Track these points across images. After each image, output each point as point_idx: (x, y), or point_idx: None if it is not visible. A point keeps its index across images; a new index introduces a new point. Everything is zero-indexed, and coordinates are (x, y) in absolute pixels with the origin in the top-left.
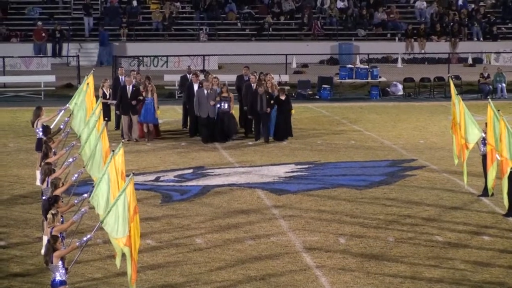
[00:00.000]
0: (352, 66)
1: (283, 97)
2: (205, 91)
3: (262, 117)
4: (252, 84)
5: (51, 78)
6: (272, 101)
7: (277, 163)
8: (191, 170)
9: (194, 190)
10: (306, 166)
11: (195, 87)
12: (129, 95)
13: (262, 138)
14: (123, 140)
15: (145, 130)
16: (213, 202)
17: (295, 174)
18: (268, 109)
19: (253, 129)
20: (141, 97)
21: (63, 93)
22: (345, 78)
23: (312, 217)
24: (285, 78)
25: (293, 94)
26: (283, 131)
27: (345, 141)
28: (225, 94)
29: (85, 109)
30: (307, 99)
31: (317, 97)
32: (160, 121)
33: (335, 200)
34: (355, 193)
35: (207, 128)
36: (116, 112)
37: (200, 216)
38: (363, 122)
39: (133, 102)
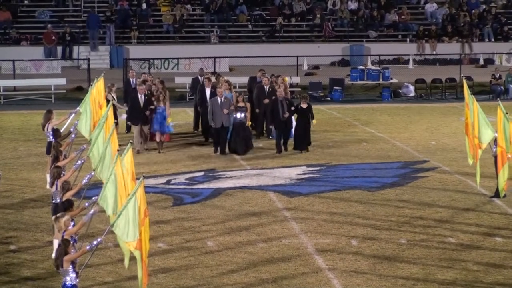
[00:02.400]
0: (364, 67)
1: (304, 106)
2: (219, 100)
3: (283, 129)
4: (265, 87)
5: (62, 81)
6: (292, 108)
7: (288, 165)
8: (202, 173)
9: (206, 193)
10: (318, 168)
11: (207, 91)
12: (141, 105)
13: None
14: (131, 141)
15: (157, 139)
16: (224, 204)
17: (306, 176)
18: (287, 114)
19: (261, 130)
20: (152, 107)
21: (73, 96)
22: (356, 80)
23: (324, 219)
24: (296, 80)
25: (305, 95)
26: (302, 141)
27: (356, 143)
28: (241, 104)
29: (89, 111)
30: (318, 100)
31: (328, 98)
32: (171, 128)
33: (347, 202)
34: (367, 195)
35: (223, 139)
36: (128, 122)
37: (212, 218)
38: (375, 123)
39: (147, 113)
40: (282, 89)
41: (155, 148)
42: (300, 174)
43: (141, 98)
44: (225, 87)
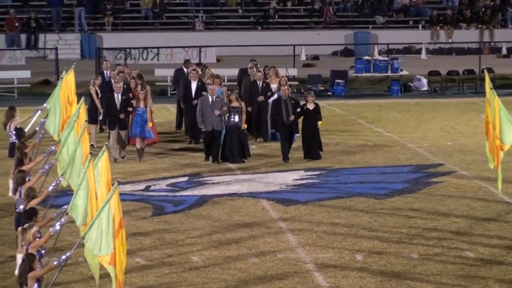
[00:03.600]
0: (370, 58)
1: (311, 106)
2: (210, 99)
3: (289, 134)
4: (258, 82)
5: (26, 74)
6: (298, 109)
7: (284, 170)
8: (186, 178)
9: (190, 201)
10: (318, 172)
11: (193, 85)
12: (118, 106)
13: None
14: (107, 143)
15: (138, 146)
16: (211, 214)
17: (305, 181)
18: (292, 117)
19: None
20: (131, 108)
21: (39, 90)
22: (361, 72)
23: (324, 231)
24: (293, 72)
25: (302, 91)
26: (313, 148)
27: (362, 144)
28: (235, 104)
29: (58, 108)
30: (318, 95)
31: (329, 93)
32: (152, 134)
33: (351, 211)
34: (373, 203)
35: (214, 145)
36: (102, 127)
37: (197, 230)
38: (383, 122)
39: (122, 116)
40: (286, 88)
41: (134, 154)
42: (297, 180)
43: (117, 97)
44: (216, 82)
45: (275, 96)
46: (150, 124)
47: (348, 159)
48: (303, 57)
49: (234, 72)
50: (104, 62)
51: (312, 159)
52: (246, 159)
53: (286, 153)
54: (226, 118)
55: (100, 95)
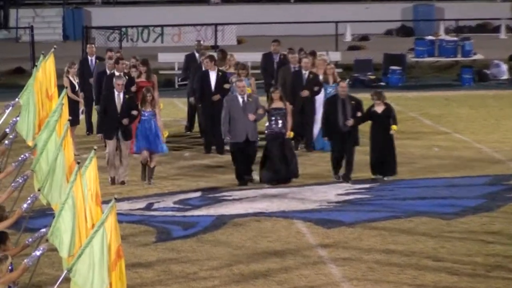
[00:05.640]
0: (434, 38)
1: (380, 108)
2: (240, 99)
3: (344, 144)
4: (304, 72)
5: None
6: (359, 113)
7: (324, 182)
8: (198, 193)
9: (204, 223)
10: (368, 185)
11: (212, 76)
12: (118, 108)
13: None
14: (95, 148)
15: (143, 161)
16: (231, 239)
17: (351, 197)
18: (351, 121)
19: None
20: (135, 112)
21: (10, 81)
22: (423, 56)
23: (377, 261)
24: (335, 56)
25: (348, 80)
26: (385, 162)
27: (424, 148)
28: (277, 104)
29: (33, 104)
30: (367, 86)
31: (382, 83)
32: (165, 148)
33: (411, 235)
34: (440, 224)
35: (247, 161)
36: (98, 135)
37: (213, 260)
38: (451, 119)
39: (125, 121)
40: (344, 84)
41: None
42: (341, 195)
43: (118, 96)
44: (242, 73)
45: (330, 92)
46: (166, 133)
47: (407, 168)
48: (348, 38)
49: (258, 57)
50: (89, 46)
51: (385, 175)
52: (291, 178)
53: (337, 169)
54: (266, 124)
55: (76, 86)
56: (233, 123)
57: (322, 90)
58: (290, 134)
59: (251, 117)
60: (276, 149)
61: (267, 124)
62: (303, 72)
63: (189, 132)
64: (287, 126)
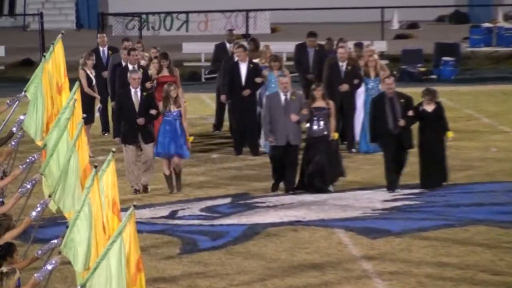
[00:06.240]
0: (491, 25)
1: (430, 107)
2: (282, 96)
3: (395, 148)
4: (341, 64)
5: None
6: (411, 112)
7: (368, 187)
8: (228, 200)
9: (234, 232)
10: (417, 190)
11: (242, 68)
12: (136, 107)
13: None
14: (113, 150)
15: (167, 169)
16: (265, 251)
17: (399, 203)
18: (403, 122)
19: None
20: (154, 111)
21: (17, 74)
22: (479, 45)
23: (428, 274)
24: (381, 46)
25: (395, 73)
26: (438, 172)
27: (481, 150)
28: (319, 103)
29: (42, 99)
30: (417, 80)
31: (433, 76)
32: (188, 153)
33: (466, 246)
34: (498, 234)
35: (288, 167)
36: (116, 139)
37: (244, 274)
38: (510, 117)
39: (140, 121)
40: (390, 81)
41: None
42: (388, 201)
43: (135, 94)
44: (275, 65)
45: (372, 87)
46: (190, 139)
47: (461, 172)
48: (395, 25)
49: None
50: (99, 36)
51: (432, 187)
52: (332, 185)
53: (393, 179)
54: (307, 125)
55: (93, 80)
56: (273, 124)
57: (363, 84)
58: (334, 135)
59: (294, 118)
60: (317, 154)
61: (307, 126)
62: (340, 63)
63: (217, 132)
64: (330, 127)
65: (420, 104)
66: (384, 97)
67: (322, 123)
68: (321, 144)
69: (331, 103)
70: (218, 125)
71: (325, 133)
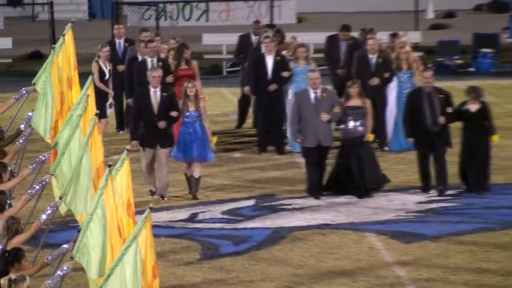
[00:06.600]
0: None
1: (474, 107)
2: (312, 94)
3: (436, 146)
4: (370, 56)
5: (6, 43)
6: (450, 109)
7: (402, 187)
8: (251, 202)
9: (258, 237)
10: (454, 191)
11: (269, 61)
12: (155, 109)
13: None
14: (128, 148)
15: (187, 173)
16: (291, 256)
17: (434, 205)
18: (442, 119)
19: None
20: (175, 113)
21: (26, 68)
22: None
23: (466, 282)
24: (415, 37)
25: (430, 66)
26: (481, 175)
27: None
28: (355, 101)
29: (51, 94)
30: (454, 73)
31: (471, 69)
32: (212, 155)
33: (507, 251)
34: None
35: (318, 169)
36: (132, 143)
37: (269, 281)
38: None
39: (162, 125)
40: (429, 74)
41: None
42: (423, 203)
43: (154, 94)
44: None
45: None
46: (214, 139)
47: (502, 172)
48: (431, 14)
49: (323, 38)
50: (116, 27)
51: (474, 191)
52: (377, 189)
53: (428, 179)
54: (341, 125)
55: (107, 74)
56: (302, 124)
57: (394, 78)
58: (370, 136)
59: (325, 117)
60: (353, 155)
61: (342, 126)
62: (370, 56)
63: (240, 129)
64: (367, 127)
65: (464, 103)
66: (421, 92)
67: (358, 123)
68: (357, 146)
69: (368, 101)
70: (240, 121)
71: (362, 134)
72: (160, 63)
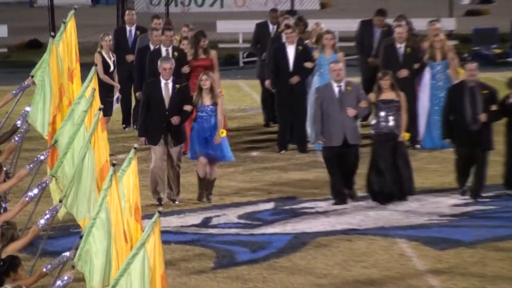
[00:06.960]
0: None
1: None
2: (335, 87)
3: (476, 147)
4: (398, 46)
5: (1, 30)
6: (494, 106)
7: (435, 189)
8: (271, 205)
9: (278, 243)
10: (492, 193)
11: (290, 52)
12: (166, 102)
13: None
14: (135, 146)
15: (200, 174)
16: (314, 264)
17: (471, 208)
18: (484, 117)
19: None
20: (188, 107)
21: (23, 58)
22: None
23: None
24: (449, 24)
25: (465, 55)
26: None
27: None
28: (388, 95)
29: (50, 87)
30: (491, 63)
31: (510, 59)
32: (231, 154)
33: None
34: None
35: (346, 172)
36: (141, 139)
37: None
38: None
39: (175, 120)
40: (473, 66)
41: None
42: (458, 206)
43: (166, 86)
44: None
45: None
46: (224, 133)
47: None
48: (466, 0)
49: (350, 26)
50: (128, 12)
51: None
52: (404, 196)
53: (465, 180)
54: (372, 121)
55: (111, 65)
56: (326, 121)
57: (427, 69)
58: (405, 136)
59: (351, 112)
60: (386, 155)
61: (373, 121)
62: (398, 45)
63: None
64: (401, 124)
65: (507, 96)
66: (463, 86)
67: (391, 118)
68: (390, 147)
69: (402, 94)
70: (268, 119)
71: (395, 130)
72: (176, 53)
